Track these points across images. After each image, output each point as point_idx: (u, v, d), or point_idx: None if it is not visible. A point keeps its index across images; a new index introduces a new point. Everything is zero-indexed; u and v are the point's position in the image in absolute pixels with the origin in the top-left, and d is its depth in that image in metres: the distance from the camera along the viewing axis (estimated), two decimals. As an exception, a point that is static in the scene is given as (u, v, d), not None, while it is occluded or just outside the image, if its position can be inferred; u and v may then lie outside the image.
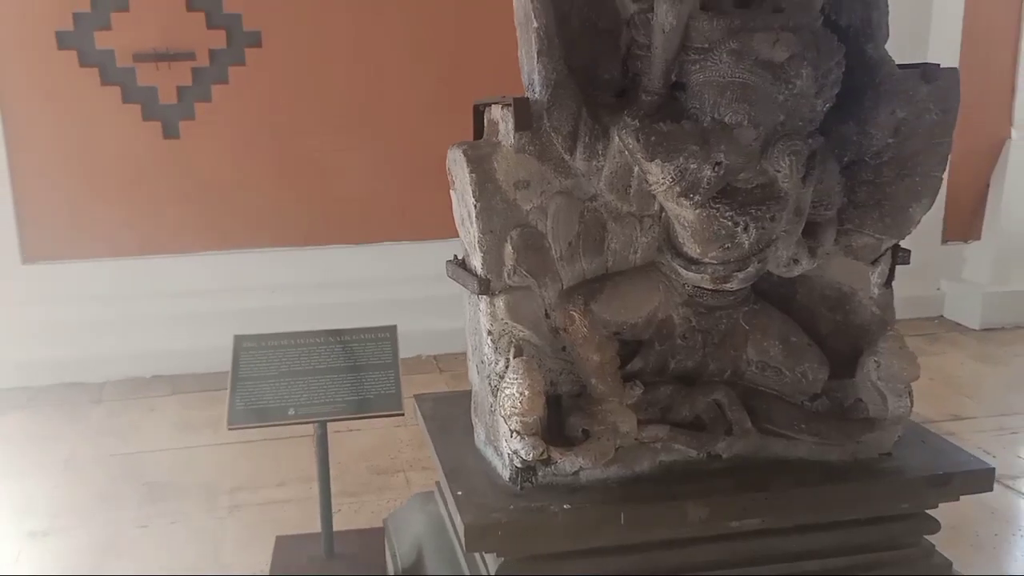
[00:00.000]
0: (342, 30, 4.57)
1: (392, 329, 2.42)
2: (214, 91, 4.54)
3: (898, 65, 2.02)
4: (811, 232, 1.99)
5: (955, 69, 2.04)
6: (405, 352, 4.43)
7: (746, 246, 1.89)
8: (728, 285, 1.97)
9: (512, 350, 1.97)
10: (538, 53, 1.84)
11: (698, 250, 1.92)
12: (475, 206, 1.89)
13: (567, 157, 1.89)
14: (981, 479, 2.12)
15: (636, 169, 1.88)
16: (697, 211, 1.87)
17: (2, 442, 3.72)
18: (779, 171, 1.83)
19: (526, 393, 1.88)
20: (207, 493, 3.19)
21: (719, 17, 1.80)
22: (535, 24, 1.83)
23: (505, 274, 1.93)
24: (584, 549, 1.97)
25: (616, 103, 1.93)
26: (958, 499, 2.13)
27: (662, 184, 1.85)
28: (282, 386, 2.29)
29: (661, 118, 1.85)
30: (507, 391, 1.91)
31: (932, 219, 5.25)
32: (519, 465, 1.93)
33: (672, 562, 2.02)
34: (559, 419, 2.02)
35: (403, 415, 2.32)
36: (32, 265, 4.50)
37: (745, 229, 1.87)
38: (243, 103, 4.57)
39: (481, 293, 1.95)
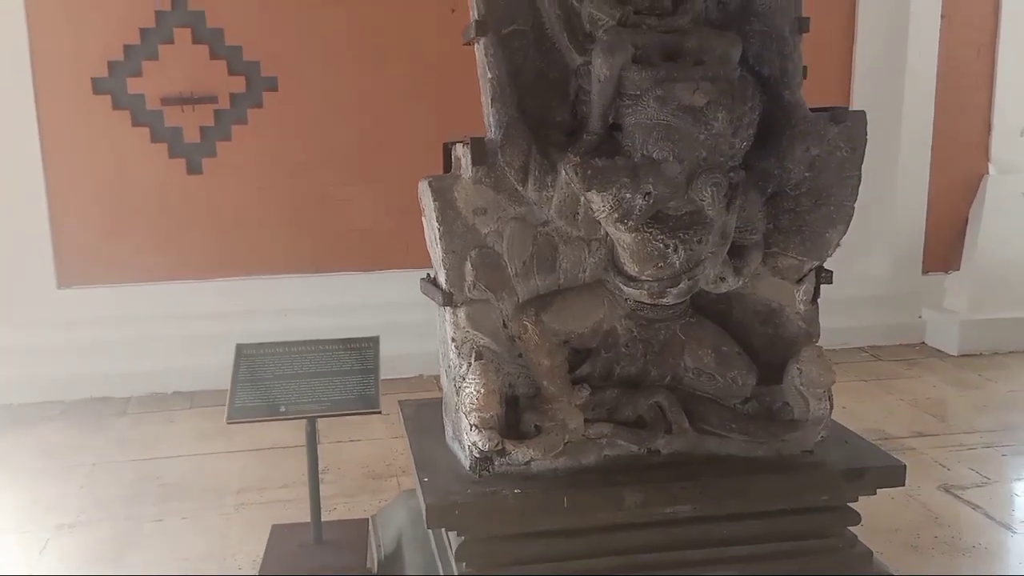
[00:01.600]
0: (350, 76, 4.89)
1: (375, 340, 2.69)
2: (234, 131, 4.85)
3: (811, 109, 2.26)
4: (739, 254, 2.22)
5: (862, 112, 2.27)
6: (408, 372, 4.75)
7: (677, 265, 2.12)
8: (664, 300, 2.21)
9: (473, 355, 2.22)
10: (492, 99, 2.12)
11: (636, 269, 2.17)
12: (439, 230, 2.17)
13: (520, 188, 2.15)
14: (893, 474, 2.31)
15: (583, 199, 2.13)
16: (632, 235, 2.12)
17: (36, 448, 4.01)
18: (703, 200, 2.07)
19: (482, 391, 2.14)
20: (217, 493, 3.44)
21: (647, 68, 2.06)
22: (489, 75, 2.12)
23: (466, 288, 2.19)
24: (534, 531, 2.20)
25: (565, 142, 2.18)
26: (874, 492, 2.32)
27: (602, 211, 2.10)
28: (276, 387, 2.55)
29: (600, 155, 2.11)
30: (467, 390, 2.16)
31: (914, 251, 5.42)
32: (477, 455, 2.18)
33: (612, 545, 2.24)
34: (517, 416, 2.26)
35: (380, 412, 2.59)
36: (66, 289, 4.79)
37: (675, 250, 2.11)
38: (260, 142, 4.88)
39: (445, 304, 2.22)
